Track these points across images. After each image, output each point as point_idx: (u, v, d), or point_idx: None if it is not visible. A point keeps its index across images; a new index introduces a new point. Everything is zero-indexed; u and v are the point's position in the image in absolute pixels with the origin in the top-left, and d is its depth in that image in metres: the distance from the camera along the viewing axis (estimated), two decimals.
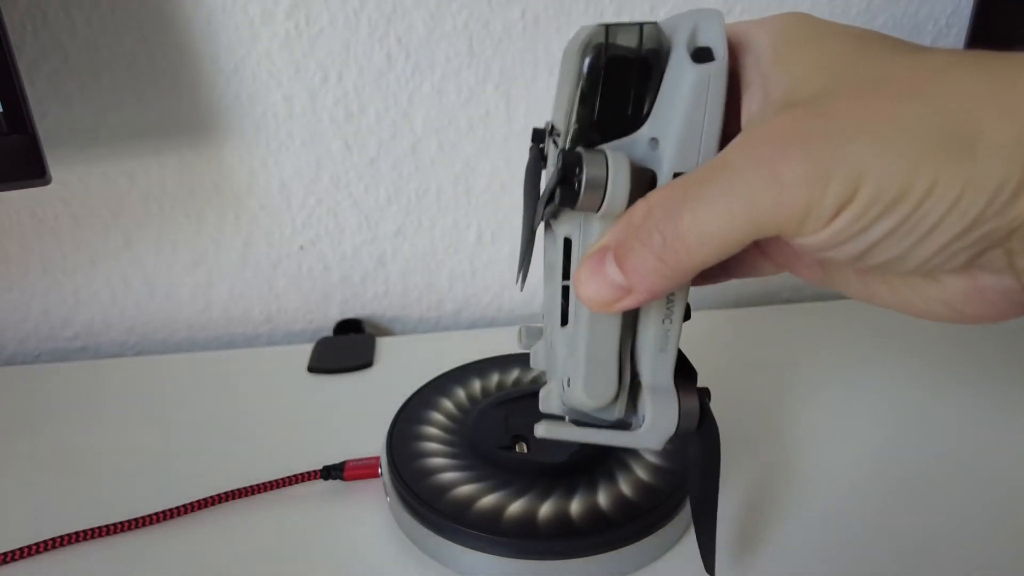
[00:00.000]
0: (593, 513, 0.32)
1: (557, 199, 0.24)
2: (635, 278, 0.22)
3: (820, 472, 0.38)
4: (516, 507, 0.32)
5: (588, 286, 0.23)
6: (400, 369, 0.49)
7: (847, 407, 0.44)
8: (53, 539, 0.34)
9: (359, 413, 0.44)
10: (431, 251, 0.56)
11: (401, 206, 0.54)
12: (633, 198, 0.24)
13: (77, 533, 0.34)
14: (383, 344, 0.53)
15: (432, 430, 0.37)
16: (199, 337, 0.57)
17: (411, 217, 0.54)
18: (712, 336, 0.52)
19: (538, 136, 0.28)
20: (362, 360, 0.50)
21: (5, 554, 0.33)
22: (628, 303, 0.23)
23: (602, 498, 0.32)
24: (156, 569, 0.33)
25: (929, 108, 0.19)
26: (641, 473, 0.34)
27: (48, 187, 0.40)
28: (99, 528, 0.34)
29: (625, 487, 0.33)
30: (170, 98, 0.49)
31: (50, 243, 0.52)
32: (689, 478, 0.28)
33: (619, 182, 0.24)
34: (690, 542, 0.34)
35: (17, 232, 0.51)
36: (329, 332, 0.56)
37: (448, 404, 0.40)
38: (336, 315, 0.57)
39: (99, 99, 0.48)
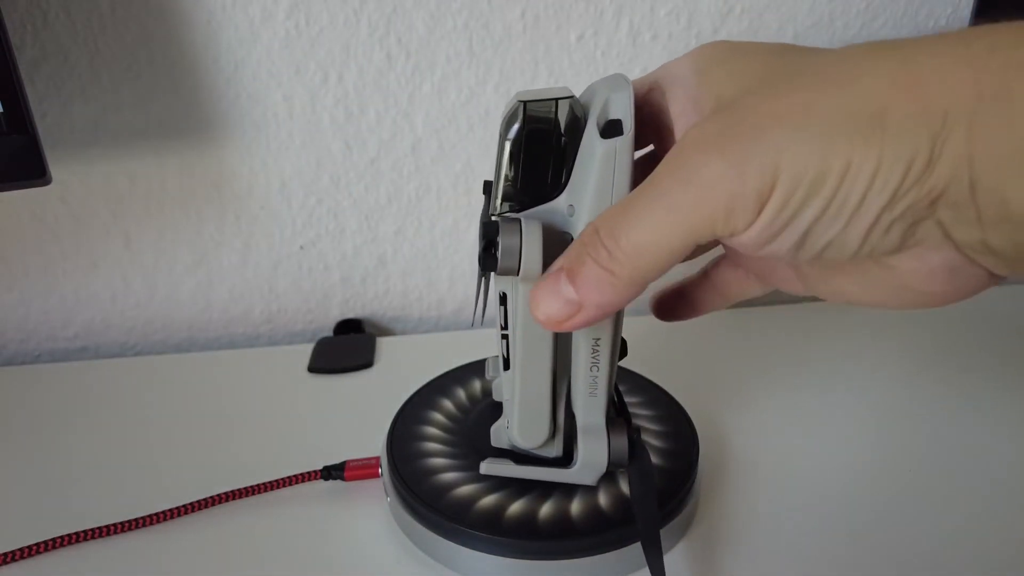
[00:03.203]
0: (593, 513, 0.32)
1: (481, 265, 0.27)
2: (584, 291, 0.23)
3: (815, 471, 0.38)
4: (516, 507, 0.32)
5: (543, 304, 0.24)
6: (400, 369, 0.49)
7: (841, 406, 0.44)
8: (53, 539, 0.34)
9: (359, 413, 0.44)
10: (431, 251, 0.56)
11: (401, 206, 0.54)
12: (550, 262, 0.27)
13: (77, 533, 0.34)
14: (383, 344, 0.53)
15: (432, 430, 0.37)
16: (199, 337, 0.57)
17: (411, 217, 0.54)
18: (711, 337, 0.52)
19: (488, 187, 0.30)
20: (362, 360, 0.50)
21: (5, 554, 0.33)
22: (579, 319, 0.23)
23: (602, 498, 0.32)
24: (156, 569, 0.33)
25: (838, 93, 0.20)
26: None
27: (48, 187, 0.40)
28: (99, 528, 0.34)
29: (625, 487, 0.33)
30: (170, 98, 0.49)
31: (50, 243, 0.52)
32: (633, 507, 0.30)
33: (531, 250, 0.26)
34: (690, 541, 0.34)
35: (17, 232, 0.51)
36: (329, 332, 0.56)
37: (448, 404, 0.40)
38: (336, 315, 0.57)
39: (99, 99, 0.48)
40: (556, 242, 0.28)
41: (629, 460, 0.31)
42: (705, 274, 0.31)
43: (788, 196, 0.20)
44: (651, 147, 0.29)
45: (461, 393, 0.41)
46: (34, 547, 0.33)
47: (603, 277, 0.22)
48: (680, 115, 0.25)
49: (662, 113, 0.26)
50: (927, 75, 0.19)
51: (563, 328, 0.24)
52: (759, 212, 0.20)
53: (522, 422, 0.31)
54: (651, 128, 0.27)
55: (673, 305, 0.32)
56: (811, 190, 0.19)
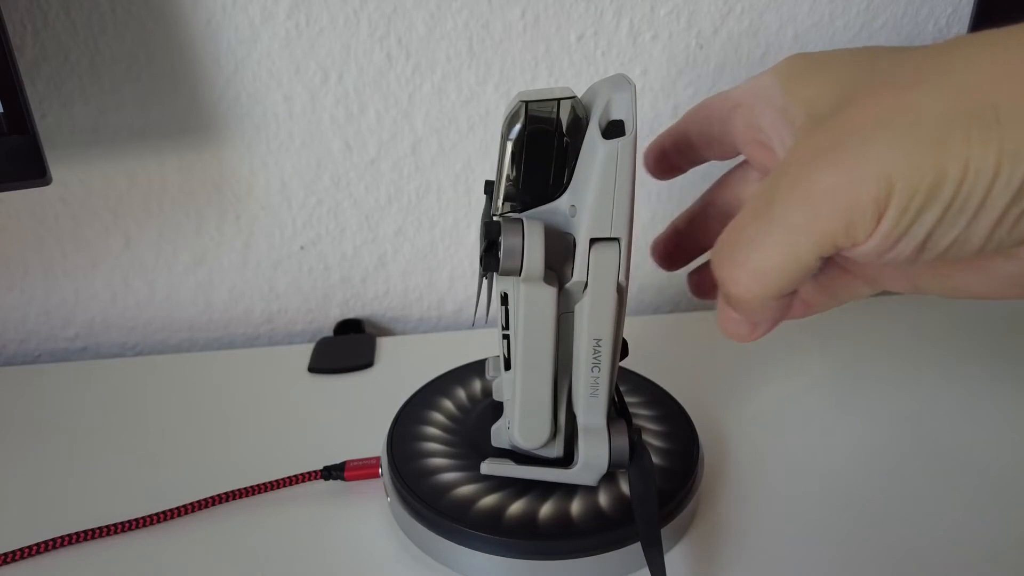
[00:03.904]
0: (593, 513, 0.32)
1: (482, 265, 0.27)
2: (745, 315, 0.24)
3: (815, 471, 0.38)
4: (516, 507, 0.32)
5: (725, 326, 0.25)
6: (400, 369, 0.49)
7: (842, 406, 0.44)
8: (53, 539, 0.34)
9: (359, 413, 0.44)
10: (431, 251, 0.56)
11: (401, 206, 0.54)
12: (552, 263, 0.27)
13: (77, 533, 0.34)
14: (383, 344, 0.53)
15: (432, 430, 0.37)
16: (199, 337, 0.57)
17: (411, 217, 0.54)
18: (711, 337, 0.52)
19: (489, 187, 0.30)
20: (362, 360, 0.50)
21: (5, 554, 0.33)
22: (762, 331, 0.24)
23: (602, 498, 0.32)
24: (156, 569, 0.33)
25: (943, 91, 0.19)
26: None
27: (48, 187, 0.40)
28: (99, 528, 0.34)
29: (625, 487, 0.33)
30: (170, 98, 0.49)
31: (50, 243, 0.52)
32: (633, 508, 0.30)
33: (534, 250, 0.27)
34: (690, 542, 0.34)
35: (17, 232, 0.51)
36: (329, 332, 0.56)
37: (448, 404, 0.40)
38: (336, 315, 0.57)
39: (99, 99, 0.48)
40: (558, 242, 0.28)
41: (630, 460, 0.31)
42: (813, 277, 0.31)
43: (906, 203, 0.19)
44: (742, 157, 0.29)
45: (461, 393, 0.40)
46: (34, 547, 0.33)
47: (748, 304, 0.23)
48: (772, 129, 0.25)
49: (752, 129, 0.26)
50: None
51: (754, 339, 0.25)
52: (878, 221, 0.20)
53: (523, 422, 0.31)
54: (743, 144, 0.27)
55: (788, 302, 0.31)
56: (929, 195, 0.19)
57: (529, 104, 0.27)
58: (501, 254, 0.27)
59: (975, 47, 0.20)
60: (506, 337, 0.30)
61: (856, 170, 0.19)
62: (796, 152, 0.21)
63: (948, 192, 0.19)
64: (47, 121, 0.48)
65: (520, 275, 0.27)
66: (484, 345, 0.46)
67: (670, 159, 0.32)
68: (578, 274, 0.28)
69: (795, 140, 0.22)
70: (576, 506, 0.32)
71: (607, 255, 0.27)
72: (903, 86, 0.20)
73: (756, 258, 0.21)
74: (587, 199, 0.27)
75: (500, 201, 0.28)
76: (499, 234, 0.27)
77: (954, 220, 0.19)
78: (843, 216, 0.20)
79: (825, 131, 0.21)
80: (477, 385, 0.41)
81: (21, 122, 0.38)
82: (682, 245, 0.33)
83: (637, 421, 0.38)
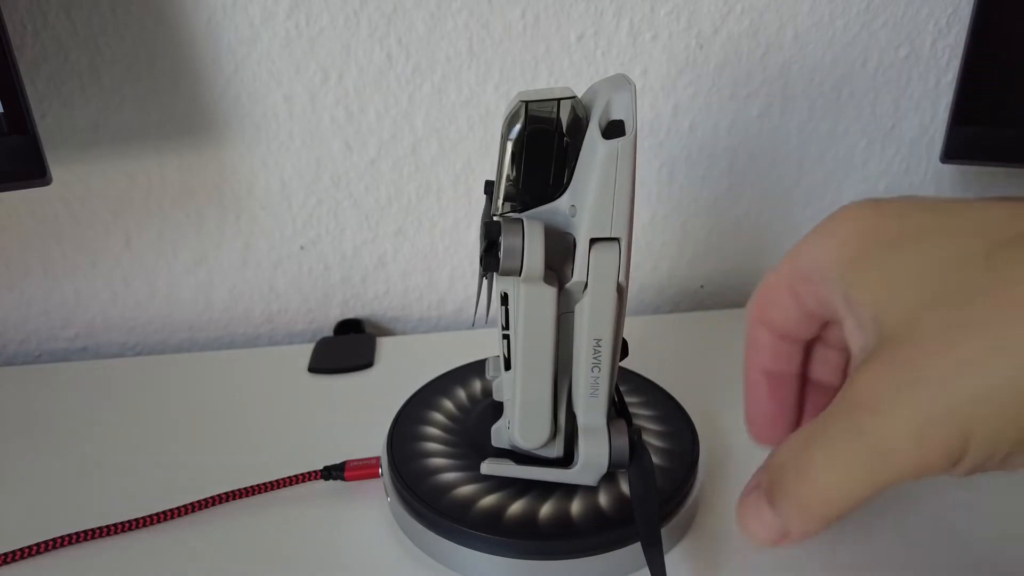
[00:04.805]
0: (593, 513, 0.32)
1: (482, 265, 0.27)
2: (787, 522, 0.22)
3: None
4: (516, 507, 0.32)
5: (750, 524, 0.23)
6: (400, 369, 0.49)
7: None
8: (53, 539, 0.34)
9: (359, 413, 0.44)
10: (432, 251, 0.56)
11: (401, 206, 0.54)
12: (552, 263, 0.27)
13: (77, 533, 0.34)
14: (383, 344, 0.53)
15: (432, 430, 0.37)
16: (199, 337, 0.57)
17: (411, 217, 0.54)
18: (711, 337, 0.52)
19: (489, 187, 0.30)
20: (362, 360, 0.50)
21: (5, 554, 0.33)
22: (789, 541, 0.22)
23: (602, 498, 0.32)
24: (156, 569, 0.33)
25: (1014, 356, 0.18)
26: None
27: (48, 187, 0.40)
28: (99, 528, 0.34)
29: (626, 487, 0.33)
30: (170, 98, 0.49)
31: (50, 243, 0.52)
32: (633, 508, 0.30)
33: (534, 250, 0.27)
34: (690, 542, 0.34)
35: (17, 232, 0.51)
36: (330, 332, 0.56)
37: (448, 404, 0.40)
38: (337, 315, 0.57)
39: (99, 99, 0.48)
40: (558, 242, 0.28)
41: (630, 460, 0.31)
42: None
43: (985, 457, 0.18)
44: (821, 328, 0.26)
45: (461, 393, 0.40)
46: (34, 547, 0.33)
47: (797, 518, 0.21)
48: (838, 312, 0.23)
49: (822, 307, 0.24)
50: None
51: (775, 545, 0.23)
52: (950, 470, 0.19)
53: (523, 422, 0.31)
54: (817, 322, 0.25)
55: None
56: (1016, 448, 0.18)
57: (529, 104, 0.27)
58: (501, 254, 0.27)
59: None
60: (506, 337, 0.30)
61: (927, 425, 0.18)
62: (859, 384, 0.20)
63: None
64: (47, 121, 0.48)
65: (520, 275, 0.27)
66: (484, 345, 0.46)
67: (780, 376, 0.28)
68: (578, 274, 0.28)
69: (865, 357, 0.21)
70: (576, 506, 0.32)
71: (607, 255, 0.27)
72: (985, 316, 0.18)
73: (823, 486, 0.20)
74: (587, 199, 0.27)
75: (500, 201, 0.28)
76: (499, 234, 0.27)
77: None
78: (910, 470, 0.19)
79: (889, 363, 0.20)
80: (477, 385, 0.41)
81: (21, 122, 0.38)
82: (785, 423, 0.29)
83: (637, 421, 0.38)
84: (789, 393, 0.27)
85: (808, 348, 0.27)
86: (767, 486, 0.22)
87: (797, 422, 0.28)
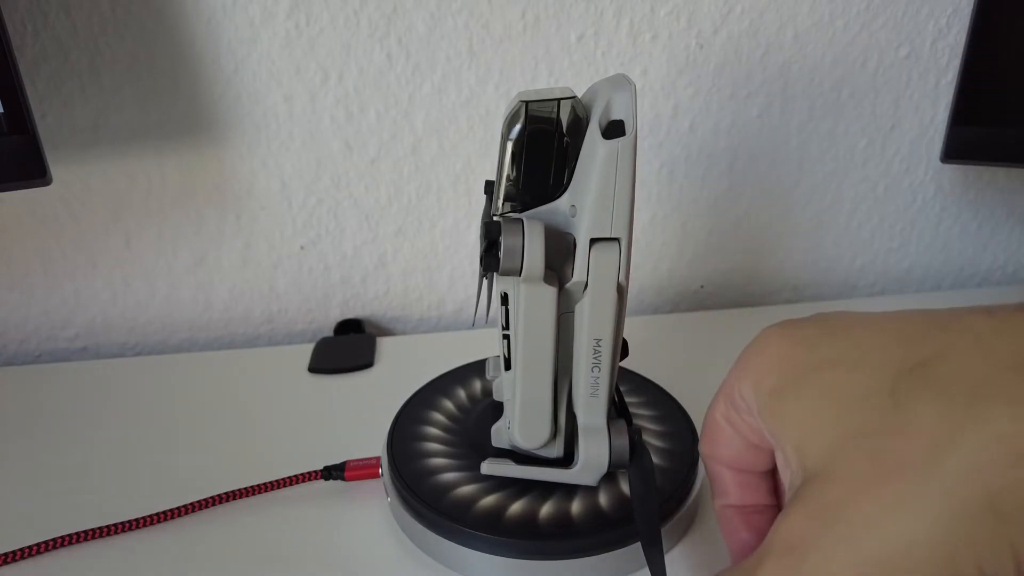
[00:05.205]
0: (593, 513, 0.32)
1: (483, 265, 0.27)
2: None
3: None
4: (517, 507, 0.32)
5: None
6: (400, 369, 0.49)
7: None
8: (53, 539, 0.34)
9: (359, 413, 0.44)
10: (432, 251, 0.56)
11: (402, 206, 0.54)
12: (553, 263, 0.27)
13: (77, 533, 0.34)
14: (383, 344, 0.53)
15: (433, 430, 0.37)
16: (199, 337, 0.57)
17: (412, 217, 0.54)
18: (710, 337, 0.52)
19: (489, 187, 0.30)
20: (362, 360, 0.50)
21: (5, 554, 0.33)
22: None
23: (602, 498, 0.32)
24: (156, 569, 0.33)
25: (935, 501, 0.18)
26: None
27: (48, 187, 0.40)
28: (99, 528, 0.34)
29: (626, 487, 0.33)
30: (170, 98, 0.49)
31: (50, 243, 0.52)
32: (633, 508, 0.30)
33: (534, 250, 0.27)
34: (690, 542, 0.34)
35: (17, 232, 0.51)
36: (330, 332, 0.56)
37: (448, 404, 0.40)
38: (337, 315, 0.57)
39: (99, 99, 0.48)
40: (558, 242, 0.28)
41: (630, 460, 0.31)
42: None
43: None
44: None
45: (461, 393, 0.41)
46: (34, 547, 0.33)
47: None
48: (765, 438, 0.24)
49: (759, 437, 0.25)
50: None
51: None
52: None
53: (523, 422, 0.31)
54: (766, 452, 0.25)
55: None
56: None
57: (529, 104, 0.27)
58: (501, 254, 0.27)
59: (970, 407, 0.18)
60: (506, 337, 0.30)
61: (867, 561, 0.19)
62: (780, 534, 0.21)
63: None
64: (47, 121, 0.48)
65: (520, 275, 0.27)
66: (484, 345, 0.46)
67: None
68: (578, 274, 0.28)
69: (793, 500, 0.21)
70: (576, 506, 0.32)
71: (607, 255, 0.27)
72: (893, 467, 0.19)
73: None
74: (587, 199, 0.27)
75: (500, 201, 0.28)
76: (499, 234, 0.27)
77: None
78: None
79: (806, 515, 0.20)
80: (477, 385, 0.41)
81: (21, 122, 0.38)
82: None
83: (637, 421, 0.38)
84: (765, 522, 0.26)
85: (775, 475, 0.27)
86: None
87: None
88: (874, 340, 0.21)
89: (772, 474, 0.26)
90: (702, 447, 0.27)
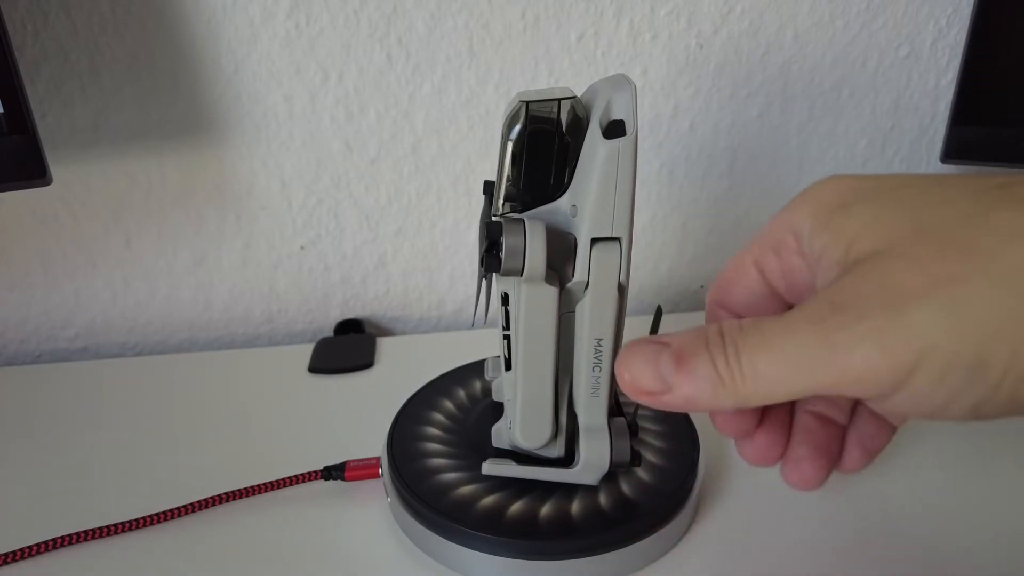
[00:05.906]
0: (593, 513, 0.32)
1: (484, 265, 0.27)
2: (685, 380, 0.22)
3: None
4: (517, 507, 0.32)
5: (634, 368, 0.22)
6: (401, 369, 0.49)
7: None
8: (53, 539, 0.34)
9: (359, 413, 0.44)
10: (432, 251, 0.56)
11: (402, 206, 0.54)
12: (554, 263, 0.27)
13: (77, 533, 0.34)
14: (384, 344, 0.53)
15: (433, 430, 0.37)
16: (199, 337, 0.57)
17: (412, 217, 0.54)
18: None
19: (489, 187, 0.30)
20: (362, 360, 0.50)
21: (5, 554, 0.33)
22: (664, 400, 0.22)
23: (603, 498, 0.32)
24: (156, 569, 0.33)
25: (988, 265, 0.18)
26: (642, 473, 0.34)
27: (48, 187, 0.40)
28: (99, 528, 0.34)
29: (625, 487, 0.33)
30: (170, 98, 0.49)
31: (50, 243, 0.52)
32: None
33: (536, 250, 0.27)
34: (690, 542, 0.34)
35: (17, 232, 0.51)
36: (330, 332, 0.56)
37: (449, 404, 0.40)
38: (337, 315, 0.57)
39: (99, 99, 0.48)
40: (559, 242, 0.28)
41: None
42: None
43: (936, 379, 0.18)
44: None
45: (461, 393, 0.41)
46: (34, 547, 0.33)
47: (713, 380, 0.21)
48: (804, 262, 0.24)
49: (788, 276, 0.25)
50: None
51: (643, 400, 0.23)
52: (896, 389, 0.19)
53: (524, 422, 0.31)
54: (777, 302, 0.26)
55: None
56: (969, 375, 0.18)
57: (529, 104, 0.27)
58: (503, 254, 0.27)
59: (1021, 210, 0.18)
60: (507, 337, 0.30)
61: (883, 336, 0.19)
62: (830, 294, 0.20)
63: (993, 375, 0.18)
64: (47, 121, 0.48)
65: (522, 275, 0.27)
66: (484, 345, 0.46)
67: None
68: (579, 274, 0.28)
69: (832, 279, 0.21)
70: (576, 506, 0.32)
71: (608, 255, 0.27)
72: (944, 253, 0.19)
73: (765, 365, 0.21)
74: (588, 199, 0.27)
75: (501, 201, 0.28)
76: (501, 234, 0.27)
77: (992, 396, 0.19)
78: (858, 375, 0.19)
79: (860, 284, 0.20)
80: (477, 385, 0.41)
81: (21, 122, 0.38)
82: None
83: (637, 421, 0.38)
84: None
85: None
86: (680, 345, 0.22)
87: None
88: (948, 179, 0.21)
89: None
90: (712, 292, 0.27)
